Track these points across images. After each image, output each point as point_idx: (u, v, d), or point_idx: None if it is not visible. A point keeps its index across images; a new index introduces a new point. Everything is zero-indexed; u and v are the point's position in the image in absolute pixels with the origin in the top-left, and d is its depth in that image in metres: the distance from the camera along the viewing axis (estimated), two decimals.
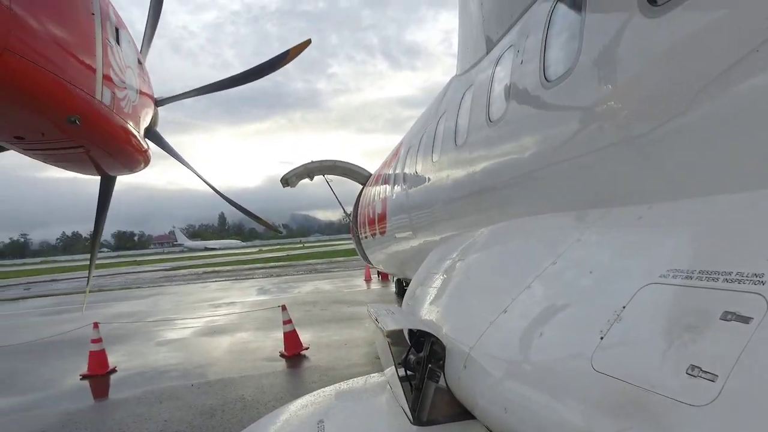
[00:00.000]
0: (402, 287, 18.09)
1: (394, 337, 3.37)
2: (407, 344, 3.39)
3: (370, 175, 17.69)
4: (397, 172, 9.89)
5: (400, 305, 5.34)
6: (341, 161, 19.04)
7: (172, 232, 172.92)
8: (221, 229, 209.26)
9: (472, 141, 4.66)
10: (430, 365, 2.94)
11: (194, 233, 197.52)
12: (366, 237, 15.56)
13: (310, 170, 18.60)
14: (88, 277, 8.42)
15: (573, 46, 2.83)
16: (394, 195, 9.95)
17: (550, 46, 3.19)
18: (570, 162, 2.84)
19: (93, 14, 4.59)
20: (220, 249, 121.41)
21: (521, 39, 3.72)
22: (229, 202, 9.30)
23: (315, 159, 18.70)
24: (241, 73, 7.48)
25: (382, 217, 11.57)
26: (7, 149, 5.30)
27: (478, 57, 5.02)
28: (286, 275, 34.50)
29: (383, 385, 3.58)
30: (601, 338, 1.74)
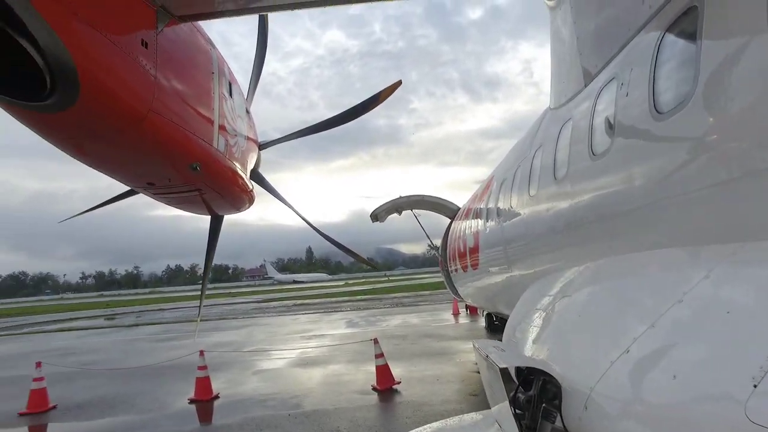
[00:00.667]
0: (492, 321, 17.65)
1: (503, 374, 3.31)
2: (515, 382, 3.32)
3: (458, 208, 17.66)
4: (489, 206, 9.81)
5: (490, 337, 5.22)
6: (429, 196, 19.22)
7: (262, 266, 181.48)
8: (309, 263, 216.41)
9: (574, 175, 4.56)
10: (544, 405, 2.86)
11: (283, 266, 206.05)
12: (456, 270, 15.44)
13: (398, 205, 18.94)
14: (199, 308, 9.16)
15: (687, 76, 2.74)
16: (487, 229, 9.85)
17: (660, 77, 3.10)
18: (689, 195, 2.70)
19: (212, 73, 5.12)
20: (308, 282, 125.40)
21: (625, 70, 3.65)
22: (327, 239, 9.66)
23: (403, 194, 19.05)
24: (335, 116, 7.87)
25: (474, 251, 11.46)
26: (136, 194, 5.99)
27: (576, 90, 4.95)
28: (373, 308, 34.84)
29: (490, 422, 3.51)
30: (755, 386, 1.62)
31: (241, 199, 6.49)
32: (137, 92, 3.81)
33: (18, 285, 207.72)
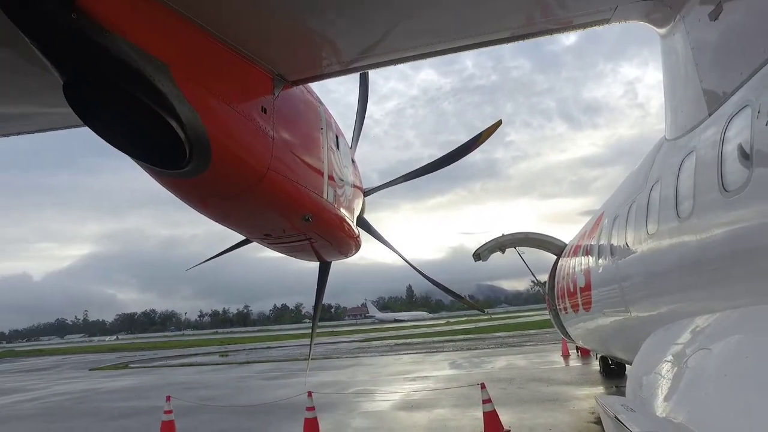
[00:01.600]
0: (607, 365, 16.34)
1: None
2: None
3: (564, 245, 16.82)
4: (601, 242, 9.24)
5: (606, 383, 4.79)
6: (533, 233, 18.54)
7: (364, 305, 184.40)
8: (409, 301, 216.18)
9: (703, 212, 4.17)
10: None
11: (384, 305, 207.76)
12: (565, 310, 14.59)
13: (501, 244, 18.47)
14: (309, 349, 9.50)
15: None
16: (600, 267, 9.25)
17: None
18: None
19: (321, 129, 5.44)
20: (408, 321, 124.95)
21: (762, 95, 3.32)
22: (428, 279, 9.61)
23: (506, 232, 18.56)
24: (437, 160, 7.96)
25: (586, 290, 10.77)
26: (251, 242, 6.45)
27: (698, 119, 4.58)
28: (477, 348, 33.79)
29: None
30: None
31: (348, 245, 6.71)
32: (258, 154, 4.14)
33: (149, 321, 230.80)
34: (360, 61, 4.70)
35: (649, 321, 6.19)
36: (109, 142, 3.48)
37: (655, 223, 5.63)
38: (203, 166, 3.69)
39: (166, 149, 3.53)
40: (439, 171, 8.03)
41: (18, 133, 5.60)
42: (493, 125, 8.07)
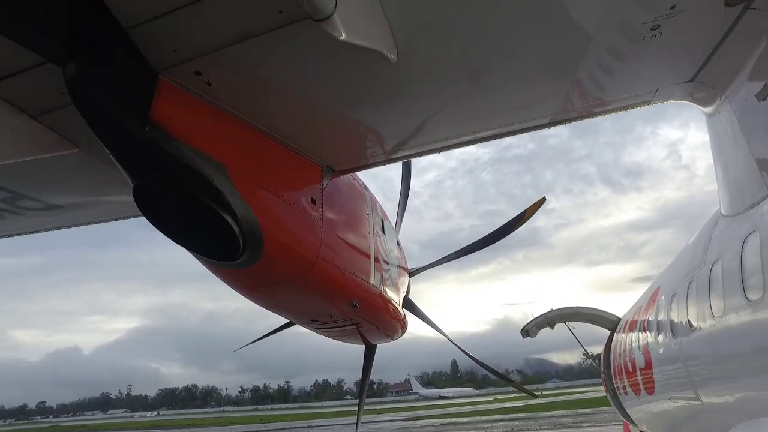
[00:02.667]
0: None
1: None
2: None
3: (618, 319, 15.99)
4: (660, 319, 8.76)
5: None
6: (583, 307, 17.71)
7: (407, 380, 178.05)
8: (454, 377, 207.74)
9: None
10: None
11: (428, 381, 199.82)
12: (624, 391, 13.61)
13: (549, 319, 17.72)
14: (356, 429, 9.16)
15: None
16: (661, 347, 8.70)
17: None
18: None
19: (368, 214, 5.56)
20: (454, 397, 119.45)
21: None
22: (474, 360, 9.32)
23: (554, 307, 17.85)
24: (481, 239, 7.96)
25: (646, 370, 10.08)
26: (295, 324, 6.46)
27: (757, 197, 4.42)
28: (530, 429, 31.70)
29: None
30: None
31: (394, 328, 6.61)
32: (308, 244, 4.24)
33: (190, 397, 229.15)
34: (404, 150, 4.85)
35: (724, 412, 5.70)
36: (169, 237, 3.65)
37: (720, 303, 5.31)
38: (255, 257, 3.79)
39: (220, 242, 3.66)
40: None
41: (85, 224, 6.00)
42: (536, 203, 8.09)
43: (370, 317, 5.73)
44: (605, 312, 17.09)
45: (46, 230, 6.20)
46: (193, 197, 3.36)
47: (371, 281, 5.41)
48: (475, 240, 7.97)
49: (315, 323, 5.52)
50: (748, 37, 3.74)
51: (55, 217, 5.55)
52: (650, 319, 9.84)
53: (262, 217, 3.68)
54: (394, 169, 8.64)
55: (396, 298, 6.42)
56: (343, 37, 2.39)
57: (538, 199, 8.12)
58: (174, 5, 2.73)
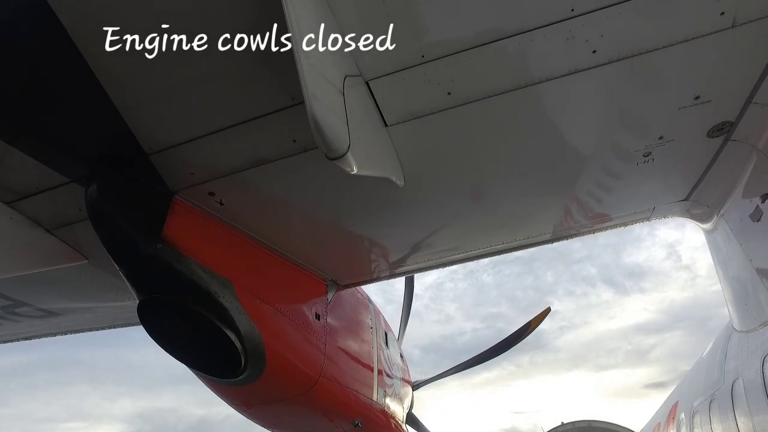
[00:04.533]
0: None
1: None
2: None
3: None
4: None
5: None
6: (597, 421, 16.70)
7: None
8: None
9: None
10: None
11: None
12: None
13: None
14: None
15: None
16: None
17: None
18: None
19: (371, 327, 5.48)
20: None
21: None
22: None
23: (565, 421, 16.87)
24: (488, 351, 7.74)
25: None
26: None
27: None
28: None
29: None
30: None
31: None
32: (311, 362, 4.13)
33: None
34: (408, 265, 4.88)
35: None
36: (168, 352, 3.58)
37: (748, 422, 5.05)
38: (256, 375, 3.68)
39: (222, 359, 3.58)
40: (484, 347, 7.80)
41: (80, 331, 5.92)
42: (541, 313, 7.97)
43: None
44: (619, 426, 16.08)
45: (39, 337, 6.12)
46: (197, 314, 3.34)
47: (374, 397, 5.19)
48: (481, 352, 7.74)
49: None
50: (734, 163, 3.93)
51: (51, 322, 5.49)
52: None
53: (266, 333, 3.64)
54: None
55: (399, 414, 6.11)
56: (354, 172, 2.51)
57: (543, 309, 8.01)
58: (197, 134, 2.93)
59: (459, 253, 4.68)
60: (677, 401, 9.17)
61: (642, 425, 14.39)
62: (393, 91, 2.76)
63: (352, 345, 4.91)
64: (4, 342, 6.24)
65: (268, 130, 2.92)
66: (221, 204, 3.44)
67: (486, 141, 3.34)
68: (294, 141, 3.01)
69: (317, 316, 4.33)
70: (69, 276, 4.26)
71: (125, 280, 3.24)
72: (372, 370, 5.25)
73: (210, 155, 3.10)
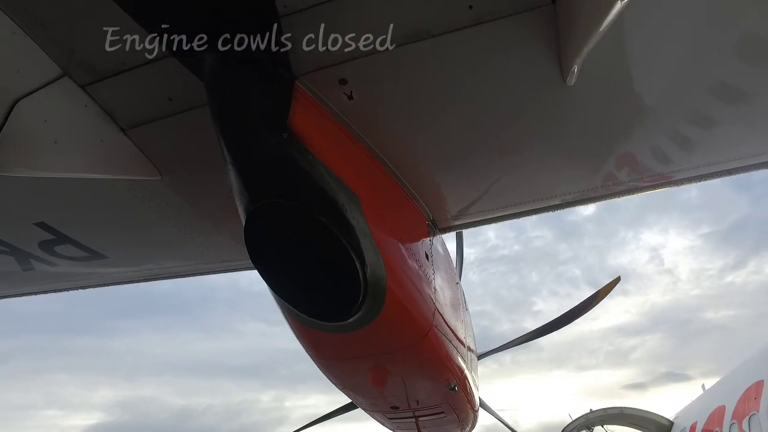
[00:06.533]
0: None
1: None
2: None
3: (668, 422, 14.58)
4: None
5: None
6: (629, 408, 16.17)
7: None
8: None
9: None
10: None
11: None
12: None
13: (591, 420, 16.20)
14: None
15: None
16: None
17: None
18: None
19: (458, 283, 4.86)
20: None
21: None
22: None
23: (595, 408, 16.37)
24: (555, 320, 7.16)
25: None
26: (355, 409, 5.51)
27: None
28: None
29: None
30: None
31: (470, 421, 5.64)
32: (424, 308, 3.48)
33: None
34: (507, 209, 4.20)
35: None
36: (271, 281, 2.92)
37: None
38: (369, 318, 3.02)
39: (336, 293, 2.91)
40: None
41: (126, 282, 5.25)
42: (610, 282, 7.42)
43: (457, 405, 4.80)
44: (653, 414, 15.60)
45: (71, 289, 5.43)
46: (322, 228, 2.65)
47: (466, 359, 4.58)
48: (548, 321, 7.16)
49: (394, 411, 4.58)
50: None
51: (92, 269, 4.81)
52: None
53: (389, 266, 2.98)
54: None
55: (477, 382, 5.53)
56: None
57: (612, 279, 7.43)
58: None
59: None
60: (725, 405, 8.66)
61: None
62: None
63: (449, 297, 4.25)
64: (30, 294, 5.55)
65: None
66: (350, 98, 2.74)
67: None
68: (470, 7, 2.33)
69: (427, 257, 3.68)
70: (129, 201, 3.59)
71: (236, 183, 2.56)
72: (464, 331, 4.63)
73: (349, 23, 2.40)
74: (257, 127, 2.42)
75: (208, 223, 3.88)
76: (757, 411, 7.65)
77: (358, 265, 2.76)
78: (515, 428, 7.61)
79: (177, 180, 3.36)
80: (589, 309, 7.30)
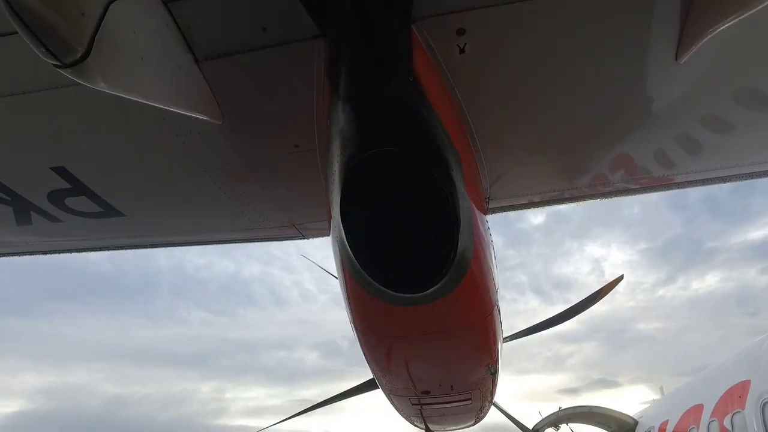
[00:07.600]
0: None
1: None
2: None
3: (633, 421, 15.03)
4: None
5: None
6: (598, 407, 16.57)
7: None
8: None
9: None
10: None
11: None
12: None
13: (560, 418, 16.54)
14: None
15: None
16: None
17: None
18: None
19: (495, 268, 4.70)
20: None
21: None
22: None
23: (564, 406, 16.70)
24: (558, 315, 7.15)
25: None
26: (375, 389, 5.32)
27: None
28: None
29: None
30: None
31: (485, 409, 5.54)
32: (491, 286, 3.32)
33: None
34: (564, 192, 4.09)
35: None
36: (354, 249, 2.66)
37: None
38: (446, 290, 2.81)
39: (423, 259, 2.69)
40: None
41: (131, 247, 4.82)
42: (613, 280, 7.48)
43: (485, 391, 4.67)
44: (620, 413, 16.04)
45: (65, 251, 4.94)
46: (432, 186, 2.43)
47: (501, 344, 4.45)
48: (552, 316, 7.15)
49: (425, 395, 4.39)
50: None
51: (96, 232, 4.36)
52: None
53: (478, 237, 2.79)
54: None
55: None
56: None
57: (615, 278, 7.51)
58: None
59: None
60: (702, 405, 8.91)
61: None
62: None
63: (497, 278, 4.12)
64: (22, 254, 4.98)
65: None
66: (461, 51, 2.52)
67: None
68: None
69: (490, 234, 3.51)
70: (171, 149, 3.20)
71: (350, 126, 2.29)
72: (498, 312, 4.49)
73: None
74: (385, 65, 2.18)
75: (255, 185, 3.55)
76: (742, 408, 7.94)
77: (455, 231, 2.55)
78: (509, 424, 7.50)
79: (237, 128, 3.02)
80: (592, 305, 7.36)
